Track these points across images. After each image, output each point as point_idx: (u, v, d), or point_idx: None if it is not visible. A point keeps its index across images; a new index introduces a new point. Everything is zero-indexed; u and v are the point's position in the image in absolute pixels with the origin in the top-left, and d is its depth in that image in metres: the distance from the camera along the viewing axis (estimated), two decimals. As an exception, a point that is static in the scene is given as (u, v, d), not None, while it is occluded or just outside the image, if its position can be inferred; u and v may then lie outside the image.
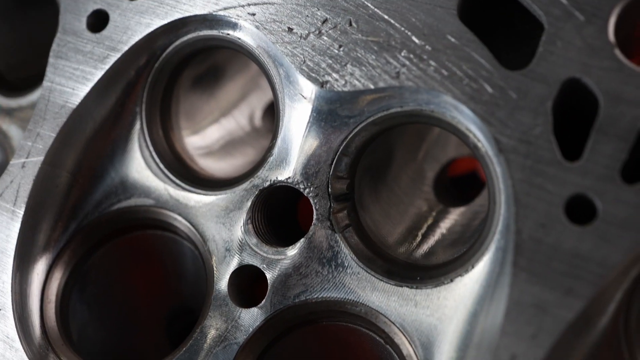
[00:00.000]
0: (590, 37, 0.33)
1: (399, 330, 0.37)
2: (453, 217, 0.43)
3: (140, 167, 0.43)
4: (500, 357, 0.32)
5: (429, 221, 0.43)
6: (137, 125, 0.43)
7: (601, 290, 0.32)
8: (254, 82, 0.50)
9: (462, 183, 0.48)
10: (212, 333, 0.39)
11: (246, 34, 0.39)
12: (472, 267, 0.36)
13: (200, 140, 0.46)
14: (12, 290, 0.40)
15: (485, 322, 0.34)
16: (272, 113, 0.51)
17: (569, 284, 0.32)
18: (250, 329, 0.38)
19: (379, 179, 0.43)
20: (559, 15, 0.34)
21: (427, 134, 0.47)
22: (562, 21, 0.34)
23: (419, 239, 0.42)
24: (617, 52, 0.33)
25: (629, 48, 0.35)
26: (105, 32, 0.41)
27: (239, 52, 0.44)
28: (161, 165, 0.42)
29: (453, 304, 0.36)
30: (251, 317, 0.38)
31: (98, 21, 0.41)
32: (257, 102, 0.50)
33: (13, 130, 0.46)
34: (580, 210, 0.33)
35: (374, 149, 0.41)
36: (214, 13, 0.39)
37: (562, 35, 0.34)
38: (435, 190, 0.45)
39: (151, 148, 0.43)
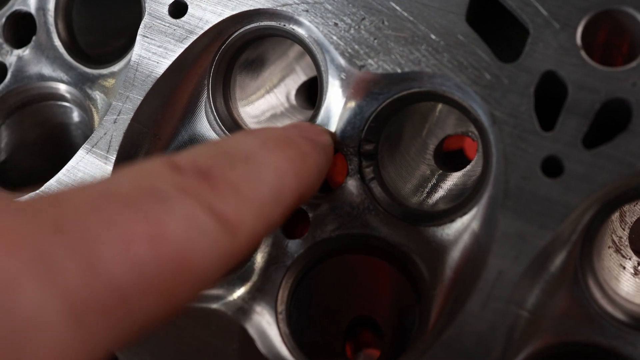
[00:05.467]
0: (563, 40, 0.43)
1: (410, 259, 0.48)
2: (451, 180, 0.54)
3: (206, 128, 0.52)
4: (491, 272, 0.43)
5: (432, 182, 0.54)
6: (205, 95, 0.52)
7: (564, 226, 0.43)
8: (290, 68, 0.60)
9: (452, 156, 0.59)
10: (265, 257, 0.49)
11: (300, 26, 0.49)
12: (469, 210, 0.47)
13: (252, 111, 0.56)
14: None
15: (478, 249, 0.45)
16: (304, 93, 0.62)
17: (542, 220, 0.42)
18: (295, 255, 0.49)
19: (395, 147, 0.53)
20: (541, 23, 0.44)
21: (429, 115, 0.58)
22: (543, 28, 0.44)
23: (425, 194, 0.53)
24: (582, 52, 0.43)
25: (592, 51, 0.46)
26: (184, 19, 0.50)
27: (283, 42, 0.54)
28: (223, 128, 0.52)
29: (453, 238, 0.47)
30: (296, 246, 0.49)
31: (177, 10, 0.51)
32: (293, 84, 0.60)
33: (96, 95, 0.56)
34: (551, 167, 0.42)
35: (392, 124, 0.51)
36: (274, 8, 0.50)
37: (542, 38, 0.44)
38: (434, 159, 0.56)
39: (215, 114, 0.52)
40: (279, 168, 0.37)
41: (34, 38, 0.58)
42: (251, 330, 0.47)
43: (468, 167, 0.54)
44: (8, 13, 0.58)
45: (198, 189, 0.32)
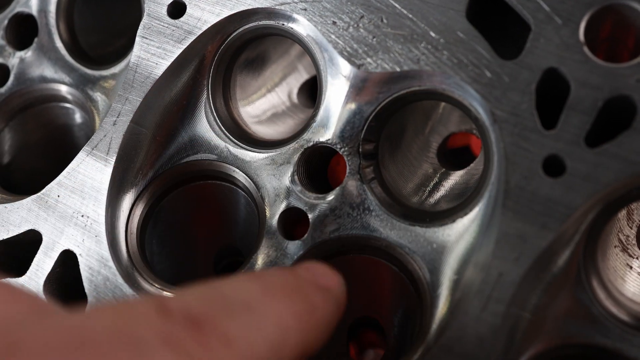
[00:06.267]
0: (566, 36, 0.42)
1: (411, 259, 0.47)
2: (453, 178, 0.53)
3: (205, 129, 0.52)
4: (491, 273, 0.42)
5: (434, 180, 0.53)
6: (204, 95, 0.52)
7: (566, 226, 0.42)
8: (292, 66, 0.60)
9: (458, 153, 0.59)
10: (265, 259, 0.49)
11: (298, 25, 0.49)
12: (470, 210, 0.46)
13: (253, 111, 0.55)
14: (105, 222, 0.49)
15: (479, 250, 0.44)
16: (306, 92, 0.61)
17: (543, 221, 0.41)
18: (295, 257, 0.48)
19: (396, 146, 0.52)
20: (543, 19, 0.43)
21: (432, 113, 0.57)
22: (544, 24, 0.43)
23: (426, 193, 0.52)
24: (585, 49, 0.42)
25: (596, 47, 0.45)
26: (182, 19, 0.50)
27: (284, 40, 0.54)
28: (223, 128, 0.52)
29: (454, 238, 0.46)
30: (296, 247, 0.48)
31: (176, 10, 0.50)
32: (295, 82, 0.60)
33: (97, 96, 0.56)
34: (553, 166, 0.42)
35: (393, 123, 0.51)
36: (272, 7, 0.49)
37: (544, 34, 0.43)
38: (438, 157, 0.55)
39: (215, 114, 0.52)
40: (282, 322, 0.33)
41: (35, 40, 0.58)
42: (250, 333, 0.47)
43: (471, 165, 0.53)
44: (10, 15, 0.59)
45: (185, 341, 0.29)
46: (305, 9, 0.48)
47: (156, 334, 0.28)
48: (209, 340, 0.30)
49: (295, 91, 0.60)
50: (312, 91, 0.61)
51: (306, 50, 0.49)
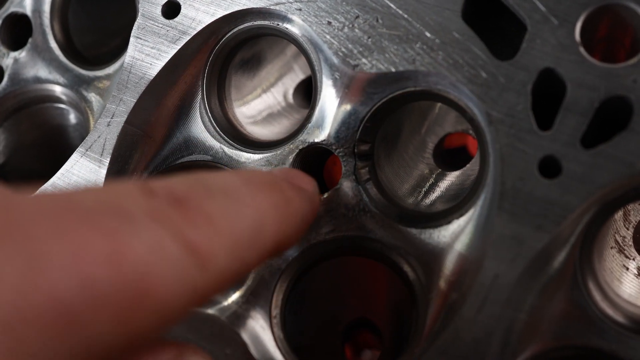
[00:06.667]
0: (562, 37, 0.42)
1: (406, 261, 0.47)
2: (449, 179, 0.53)
3: (200, 130, 0.52)
4: (487, 274, 0.42)
5: (430, 181, 0.53)
6: (199, 96, 0.52)
7: (562, 228, 0.42)
8: (288, 66, 0.59)
9: (454, 153, 0.59)
10: (259, 260, 0.48)
11: (293, 25, 0.48)
12: (466, 212, 0.46)
13: (248, 111, 0.55)
14: (99, 223, 0.49)
15: (474, 252, 0.44)
16: (302, 92, 0.61)
17: (539, 222, 0.41)
18: (290, 258, 0.48)
19: (392, 147, 0.52)
20: (539, 19, 0.43)
21: (428, 113, 0.57)
22: (541, 24, 0.43)
23: (422, 194, 0.52)
24: (582, 49, 0.42)
25: (592, 47, 0.45)
26: (177, 19, 0.50)
27: (280, 40, 0.54)
28: (217, 129, 0.51)
29: (450, 240, 0.46)
30: (290, 248, 0.48)
31: (170, 10, 0.50)
32: (290, 83, 0.60)
33: (92, 97, 0.55)
34: (549, 167, 0.42)
35: (389, 123, 0.51)
36: (267, 7, 0.49)
37: (540, 34, 0.43)
38: (434, 157, 0.55)
39: (210, 115, 0.52)
40: (259, 208, 0.35)
41: (30, 40, 0.58)
42: (245, 335, 0.47)
43: (467, 165, 0.53)
44: (4, 15, 0.58)
45: (169, 215, 0.30)
46: (300, 9, 0.48)
47: (141, 208, 0.29)
48: (192, 216, 0.31)
49: (290, 91, 0.60)
50: (307, 91, 0.60)
51: (301, 50, 0.49)
